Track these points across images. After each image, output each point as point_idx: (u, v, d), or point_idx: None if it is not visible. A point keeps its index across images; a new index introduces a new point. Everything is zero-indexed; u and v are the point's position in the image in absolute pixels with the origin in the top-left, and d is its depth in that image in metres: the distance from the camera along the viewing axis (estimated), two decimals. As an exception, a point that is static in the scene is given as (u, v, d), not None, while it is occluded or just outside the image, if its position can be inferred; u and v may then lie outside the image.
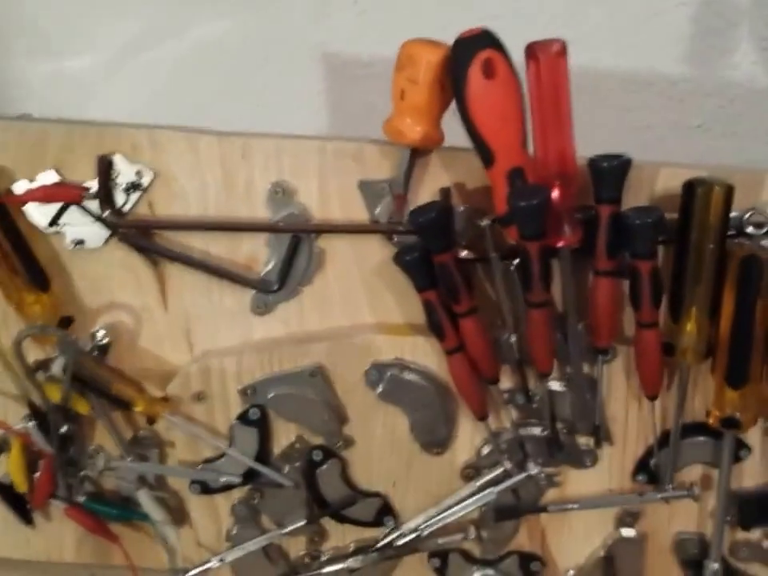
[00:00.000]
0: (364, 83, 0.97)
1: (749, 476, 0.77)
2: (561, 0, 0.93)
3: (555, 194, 0.67)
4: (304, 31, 0.97)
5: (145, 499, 0.80)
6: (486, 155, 0.66)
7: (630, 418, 0.76)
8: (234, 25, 0.97)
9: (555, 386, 0.74)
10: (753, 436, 0.75)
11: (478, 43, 0.63)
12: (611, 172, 0.66)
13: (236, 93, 1.00)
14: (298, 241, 0.73)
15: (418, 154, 0.70)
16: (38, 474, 0.79)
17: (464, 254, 0.71)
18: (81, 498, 0.80)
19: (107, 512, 0.81)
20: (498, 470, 0.76)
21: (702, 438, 0.75)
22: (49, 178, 0.73)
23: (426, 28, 0.89)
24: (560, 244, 0.68)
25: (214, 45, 0.98)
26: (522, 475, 0.76)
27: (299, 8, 0.95)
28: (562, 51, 0.65)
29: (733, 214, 0.68)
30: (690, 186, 0.67)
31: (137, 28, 0.99)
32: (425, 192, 0.72)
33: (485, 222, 0.69)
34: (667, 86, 0.96)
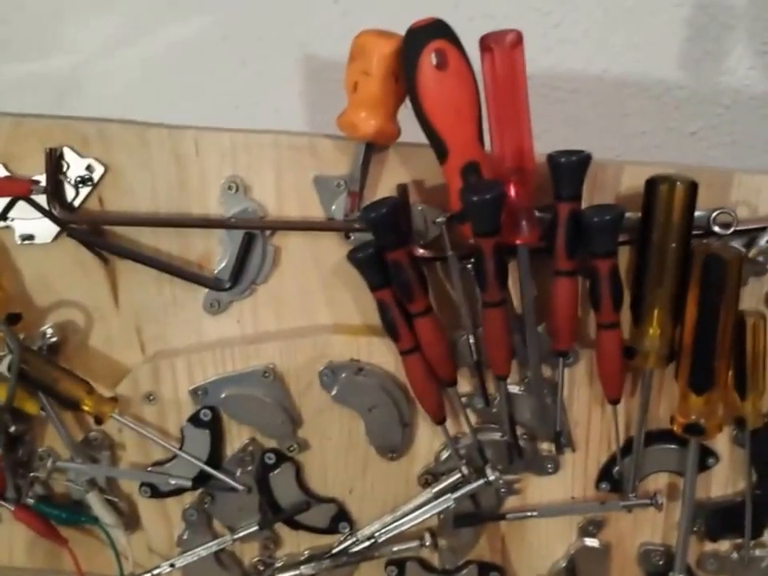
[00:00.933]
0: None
1: (716, 485, 0.75)
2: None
3: (512, 190, 0.65)
4: (284, 31, 0.96)
5: (95, 502, 0.79)
6: (439, 149, 0.64)
7: (593, 423, 0.74)
8: (213, 22, 0.96)
9: (515, 389, 0.73)
10: (721, 444, 0.74)
11: (429, 33, 0.62)
12: (570, 168, 0.65)
13: (213, 93, 0.99)
14: (252, 238, 0.72)
15: (373, 149, 0.69)
16: (-15, 476, 0.79)
17: (421, 252, 0.70)
18: (30, 500, 0.79)
19: (57, 515, 0.80)
20: (456, 476, 0.75)
21: (666, 446, 0.74)
22: (-4, 172, 0.72)
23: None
24: (517, 242, 0.67)
25: (191, 43, 0.96)
26: (481, 481, 0.74)
27: (280, 7, 0.94)
28: (517, 42, 0.64)
29: (700, 214, 0.67)
30: (652, 183, 0.66)
31: (111, 26, 0.97)
32: (382, 189, 0.71)
33: (440, 219, 0.68)
34: (662, 92, 0.95)
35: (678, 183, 0.65)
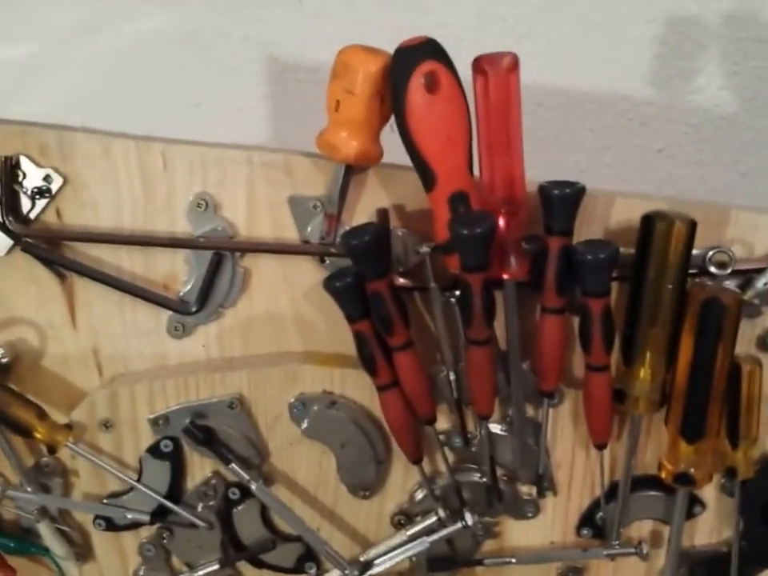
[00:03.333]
0: (309, 89, 0.94)
1: (701, 533, 0.75)
2: (522, 9, 0.90)
3: (501, 222, 0.64)
4: (248, 30, 0.94)
5: (46, 532, 0.77)
6: (426, 177, 0.62)
7: (576, 467, 0.73)
8: (176, 19, 0.93)
9: (496, 429, 0.72)
10: (708, 491, 0.73)
11: (420, 53, 0.60)
12: (563, 201, 0.63)
13: (173, 92, 0.97)
14: (221, 259, 0.70)
15: (353, 170, 0.67)
16: (-72, 500, 0.76)
17: (401, 281, 0.68)
18: (-24, 528, 0.77)
19: (4, 544, 0.78)
20: (432, 518, 0.73)
21: (652, 492, 0.73)
22: (-55, 180, 0.69)
23: (376, 33, 0.87)
24: (505, 277, 0.65)
25: (152, 39, 0.94)
26: (458, 525, 0.73)
27: (244, 5, 0.92)
28: (514, 66, 0.62)
29: (694, 252, 0.65)
30: (648, 220, 0.64)
31: (72, 16, 0.94)
32: (360, 212, 0.69)
33: (424, 249, 0.66)
34: (629, 108, 0.94)
35: (677, 222, 0.63)
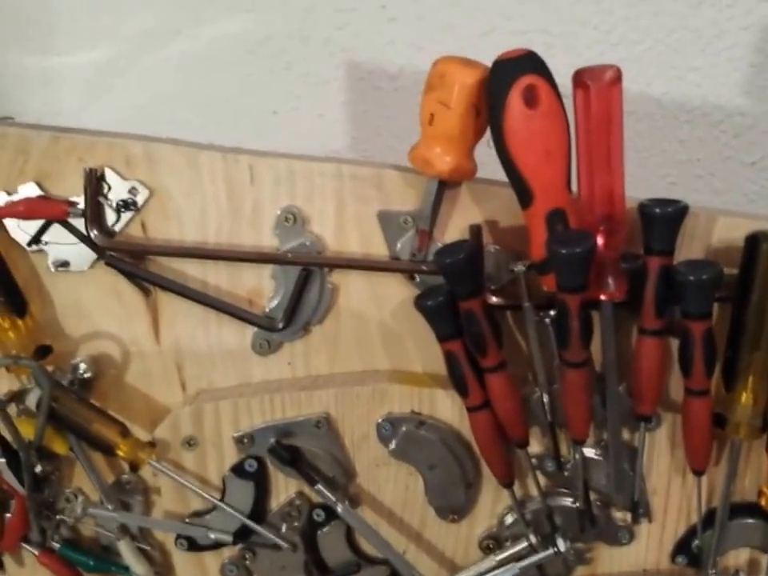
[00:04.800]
0: (389, 96, 0.94)
1: (802, 563, 0.74)
2: (613, 15, 0.89)
3: (600, 240, 0.63)
4: (330, 35, 0.93)
5: (126, 550, 0.77)
6: (523, 194, 0.62)
7: (672, 493, 0.72)
8: (254, 23, 0.93)
9: (590, 453, 0.71)
10: (809, 519, 0.72)
11: (519, 67, 0.59)
12: (664, 220, 0.62)
13: (250, 97, 0.97)
14: (309, 275, 0.70)
15: (446, 185, 0.66)
16: (9, 515, 0.77)
17: (493, 300, 0.68)
18: (55, 545, 0.78)
19: (83, 561, 0.78)
20: (523, 544, 0.73)
21: (751, 520, 0.72)
22: (29, 190, 0.69)
23: (460, 39, 0.86)
24: (602, 297, 0.64)
25: (230, 44, 0.94)
26: (550, 551, 0.72)
27: (324, 9, 0.92)
28: (616, 79, 0.61)
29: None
30: (753, 240, 0.64)
31: (140, 25, 0.94)
32: (452, 228, 0.68)
33: (519, 268, 0.65)
34: (722, 118, 0.93)
35: (783, 242, 0.63)
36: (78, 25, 0.94)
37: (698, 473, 0.69)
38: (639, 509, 0.72)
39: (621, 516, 0.73)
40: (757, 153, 0.94)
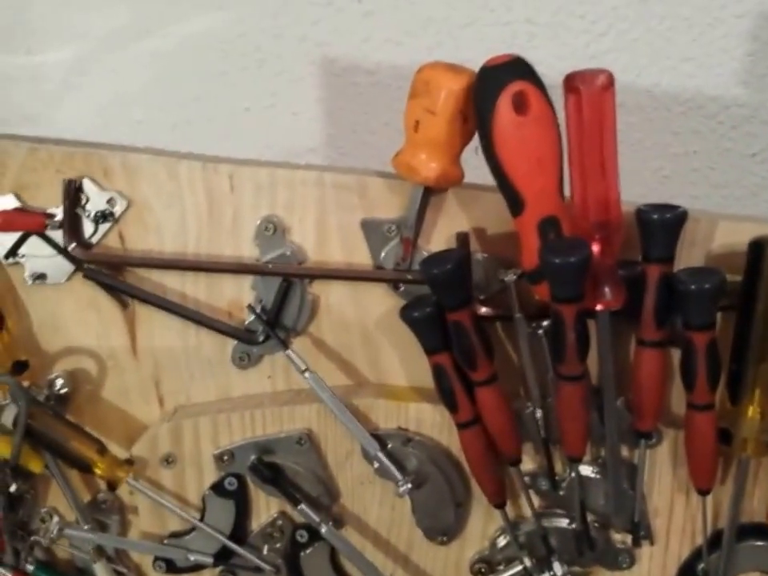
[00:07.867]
0: (367, 92, 0.91)
1: (814, 588, 0.70)
2: (600, 4, 0.86)
3: (595, 248, 0.59)
4: (303, 31, 0.91)
5: (102, 573, 0.74)
6: (514, 202, 0.59)
7: (676, 513, 0.69)
8: (226, 20, 0.91)
9: (587, 471, 0.68)
10: (820, 542, 0.68)
11: (508, 73, 0.57)
12: (663, 226, 0.60)
13: (223, 95, 0.95)
14: (290, 285, 0.67)
15: (431, 192, 0.64)
16: (-18, 535, 0.75)
17: (483, 310, 0.65)
18: (29, 567, 0.74)
19: (58, 584, 0.76)
20: (517, 568, 0.70)
21: (761, 543, 0.68)
22: (7, 202, 0.67)
23: (440, 33, 0.83)
24: (598, 307, 0.61)
25: (202, 41, 0.92)
26: (545, 575, 0.69)
27: (298, 4, 0.89)
28: (609, 84, 0.58)
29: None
30: (757, 246, 0.60)
31: (111, 23, 0.93)
32: (438, 236, 0.66)
33: (510, 278, 0.62)
34: (719, 110, 0.89)
35: (790, 248, 0.59)
36: (47, 24, 0.92)
37: (703, 492, 0.66)
38: (640, 530, 0.68)
39: (620, 538, 0.70)
40: (757, 144, 0.91)
